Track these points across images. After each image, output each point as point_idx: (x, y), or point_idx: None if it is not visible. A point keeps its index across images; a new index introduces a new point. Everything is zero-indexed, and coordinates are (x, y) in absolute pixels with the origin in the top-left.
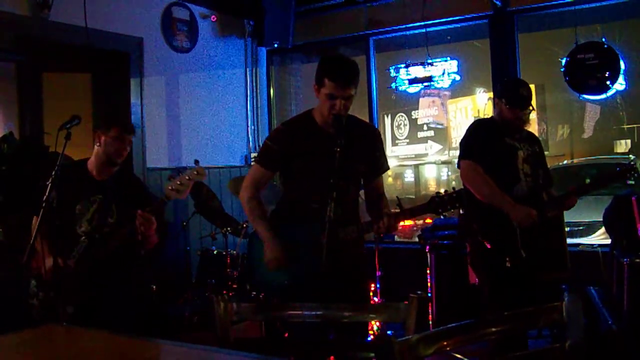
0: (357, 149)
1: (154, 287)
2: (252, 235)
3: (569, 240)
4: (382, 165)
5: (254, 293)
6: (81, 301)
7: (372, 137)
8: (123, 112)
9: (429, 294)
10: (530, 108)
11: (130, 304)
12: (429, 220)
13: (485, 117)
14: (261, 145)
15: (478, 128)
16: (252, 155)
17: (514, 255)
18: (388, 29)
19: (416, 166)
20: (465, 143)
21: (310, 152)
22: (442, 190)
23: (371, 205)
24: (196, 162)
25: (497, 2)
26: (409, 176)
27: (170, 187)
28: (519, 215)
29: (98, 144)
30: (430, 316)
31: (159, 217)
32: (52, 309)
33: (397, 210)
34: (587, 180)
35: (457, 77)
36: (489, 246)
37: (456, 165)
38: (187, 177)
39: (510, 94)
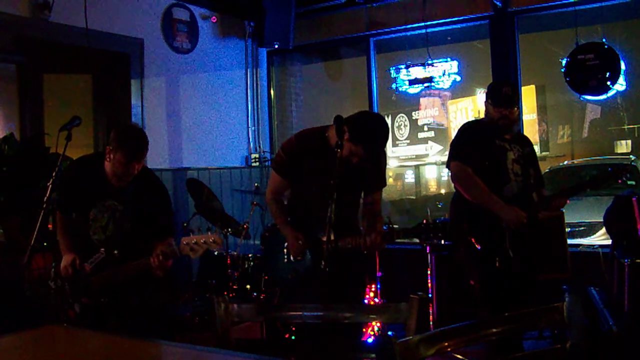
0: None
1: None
2: (269, 231)
3: (570, 241)
4: (381, 181)
5: (255, 294)
6: (90, 305)
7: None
8: (123, 113)
9: (430, 295)
10: (516, 108)
11: (144, 322)
12: None
13: (475, 118)
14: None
15: (467, 129)
16: (253, 156)
17: (503, 256)
18: (388, 29)
19: (417, 167)
20: (455, 144)
21: (320, 170)
22: (430, 219)
23: (363, 218)
24: (216, 231)
25: (498, 3)
26: (410, 177)
27: (185, 242)
28: (508, 216)
29: (108, 158)
30: (431, 317)
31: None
32: (62, 300)
33: (385, 230)
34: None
35: (458, 78)
36: (478, 247)
37: (446, 166)
38: (203, 241)
39: (494, 93)
